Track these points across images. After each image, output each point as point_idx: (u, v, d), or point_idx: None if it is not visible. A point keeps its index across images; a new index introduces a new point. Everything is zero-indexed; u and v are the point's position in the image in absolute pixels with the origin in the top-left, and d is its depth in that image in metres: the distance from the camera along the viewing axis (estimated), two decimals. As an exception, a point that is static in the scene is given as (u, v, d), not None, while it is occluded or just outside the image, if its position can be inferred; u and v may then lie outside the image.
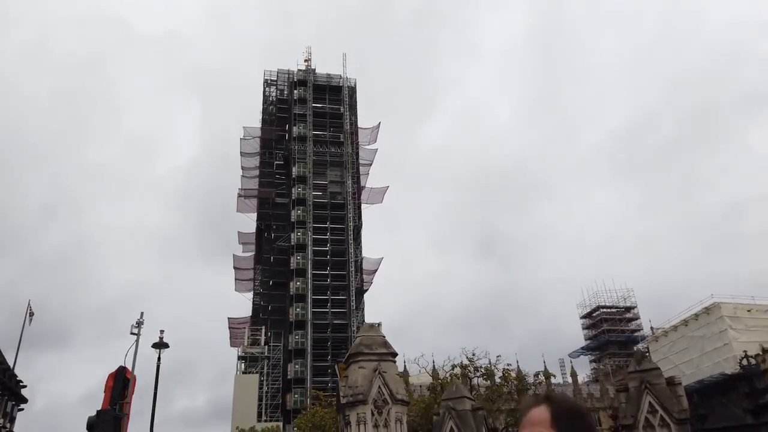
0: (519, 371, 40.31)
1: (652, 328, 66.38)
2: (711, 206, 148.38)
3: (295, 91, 72.89)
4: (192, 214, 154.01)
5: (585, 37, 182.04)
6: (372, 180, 72.72)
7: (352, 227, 66.32)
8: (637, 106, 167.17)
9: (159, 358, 17.50)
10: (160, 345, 17.68)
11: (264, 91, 75.90)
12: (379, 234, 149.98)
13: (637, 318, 72.13)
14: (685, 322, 58.14)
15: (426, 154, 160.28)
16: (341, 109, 73.07)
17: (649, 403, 8.39)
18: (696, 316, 56.72)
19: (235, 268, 67.87)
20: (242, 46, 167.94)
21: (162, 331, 18.01)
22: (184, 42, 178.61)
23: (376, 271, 69.84)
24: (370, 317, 71.32)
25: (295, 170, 67.99)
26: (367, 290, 70.53)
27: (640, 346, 67.90)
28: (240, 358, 59.00)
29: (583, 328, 74.76)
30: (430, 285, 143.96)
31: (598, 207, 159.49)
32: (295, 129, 70.66)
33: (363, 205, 71.43)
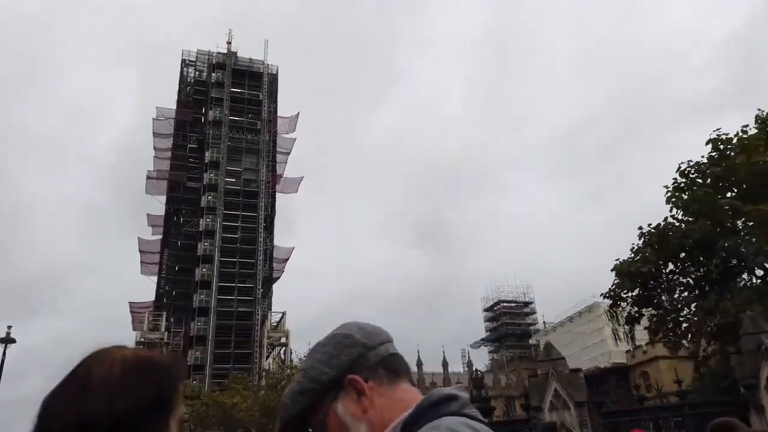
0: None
1: (544, 323, 71.16)
2: (638, 206, 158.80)
3: (214, 74, 71.49)
4: (117, 192, 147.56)
5: (537, 36, 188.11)
6: (297, 169, 73.00)
7: (263, 215, 66.30)
8: (581, 106, 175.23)
9: (4, 353, 17.54)
10: (7, 341, 17.70)
11: (182, 72, 73.86)
12: (317, 221, 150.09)
13: (533, 312, 76.82)
14: (571, 319, 62.93)
15: (373, 143, 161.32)
16: (260, 96, 72.43)
17: (555, 388, 9.99)
18: (580, 313, 61.52)
19: (140, 251, 66.17)
20: (181, 22, 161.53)
21: (9, 327, 18.02)
22: (134, 11, 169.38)
23: (287, 260, 70.35)
24: (278, 306, 71.98)
25: (208, 155, 66.92)
26: (277, 279, 70.97)
27: (534, 339, 72.64)
28: (138, 343, 57.93)
29: (485, 321, 78.79)
30: (371, 272, 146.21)
31: (536, 201, 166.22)
32: (211, 113, 69.37)
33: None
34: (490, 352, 78.43)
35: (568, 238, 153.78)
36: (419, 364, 69.02)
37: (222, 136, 68.07)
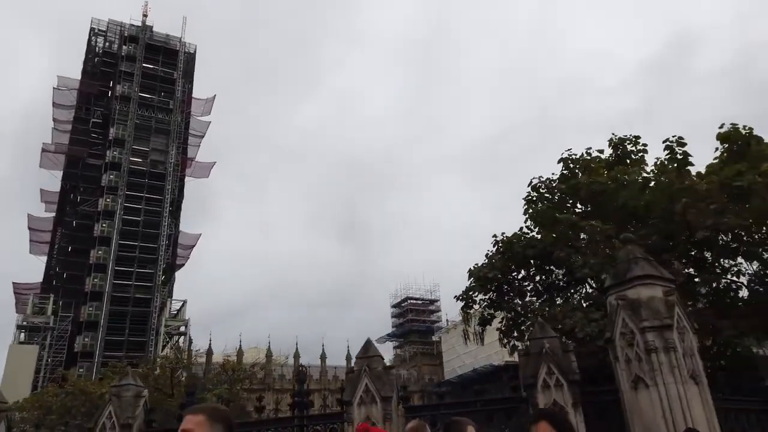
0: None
1: (447, 320, 73.63)
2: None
3: (125, 47, 67.92)
4: (11, 165, 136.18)
5: (463, 45, 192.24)
6: (214, 154, 70.82)
7: (169, 199, 63.92)
8: (500, 116, 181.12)
9: None
10: None
11: (90, 41, 69.56)
12: (233, 210, 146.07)
13: (438, 311, 79.20)
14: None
15: (297, 134, 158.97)
16: (175, 75, 69.63)
17: (366, 383, 10.14)
18: (478, 313, 64.37)
19: (30, 228, 61.85)
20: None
21: None
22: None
23: (193, 246, 68.34)
24: (180, 294, 69.80)
25: (113, 131, 63.56)
26: (182, 266, 68.77)
27: (436, 336, 75.02)
28: (19, 327, 54.28)
29: (392, 317, 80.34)
30: (288, 265, 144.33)
31: (453, 204, 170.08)
32: (119, 87, 65.90)
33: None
34: (394, 347, 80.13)
35: (480, 242, 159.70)
36: (323, 357, 69.82)
37: (130, 113, 64.86)
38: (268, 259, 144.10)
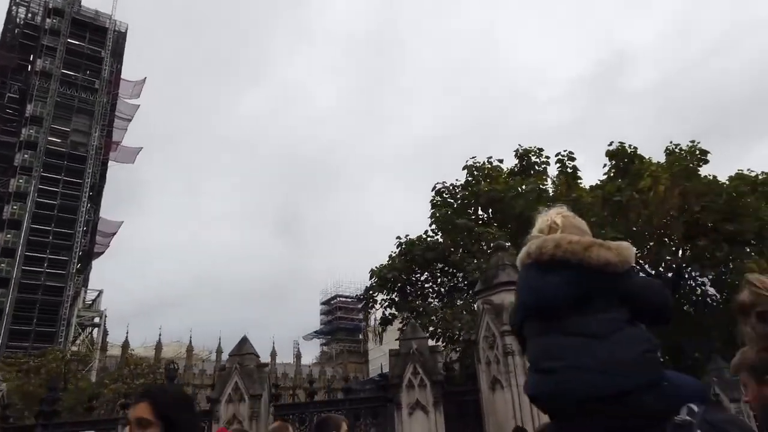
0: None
1: (375, 318, 74.08)
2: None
3: (49, 20, 63.98)
4: None
5: (413, 48, 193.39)
6: (147, 140, 67.84)
7: (90, 183, 60.80)
8: (444, 120, 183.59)
9: None
10: None
11: (10, 10, 65.07)
12: (166, 199, 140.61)
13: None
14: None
15: (239, 125, 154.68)
16: (102, 53, 66.27)
17: (236, 381, 9.80)
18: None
19: (-70, 207, 57.12)
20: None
21: None
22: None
23: (114, 234, 65.36)
24: (97, 284, 66.71)
25: (30, 108, 59.69)
26: (100, 254, 65.63)
27: (362, 334, 75.42)
28: None
29: (321, 314, 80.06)
30: (223, 258, 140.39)
31: (390, 204, 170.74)
32: (39, 62, 61.94)
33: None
34: (322, 344, 79.92)
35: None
36: (273, 354, 68.76)
37: (50, 90, 61.16)
38: (199, 252, 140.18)
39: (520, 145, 19.35)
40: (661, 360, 1.61)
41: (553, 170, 18.56)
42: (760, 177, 16.54)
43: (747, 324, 2.53)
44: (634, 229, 13.99)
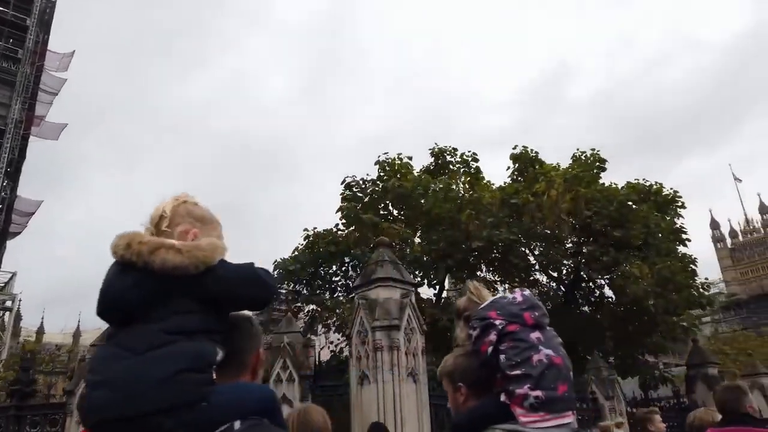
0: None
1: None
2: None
3: (-32, -19, 59.48)
4: None
5: (367, 46, 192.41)
6: (76, 116, 64.14)
7: (7, 158, 57.07)
8: (393, 117, 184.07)
9: None
10: None
11: (-77, -34, 60.01)
12: (98, 179, 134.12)
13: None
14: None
15: (183, 108, 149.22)
16: (28, 22, 62.22)
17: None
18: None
19: None
20: None
21: None
22: None
23: (33, 214, 61.74)
24: (12, 265, 62.91)
25: (-58, 75, 55.40)
26: (17, 234, 61.83)
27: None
28: None
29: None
30: None
31: (335, 197, 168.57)
32: (-45, 26, 57.56)
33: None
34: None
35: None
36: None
37: (-34, 57, 56.88)
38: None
39: (436, 143, 19.57)
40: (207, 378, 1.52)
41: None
42: (653, 187, 17.44)
43: (458, 327, 2.54)
44: (533, 230, 14.41)
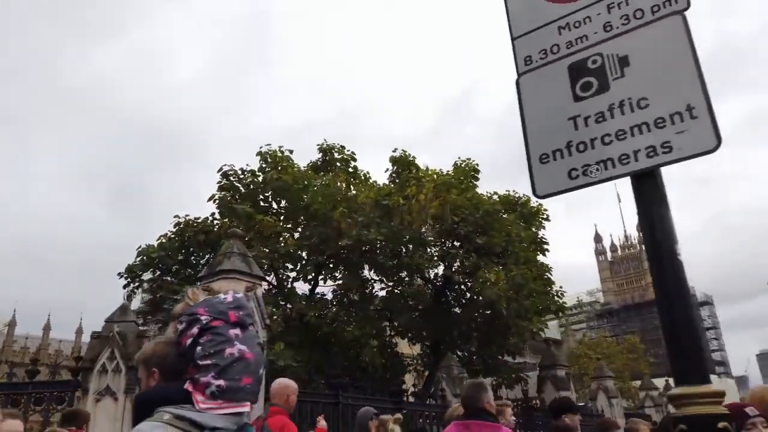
0: None
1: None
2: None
3: None
4: None
5: (286, 36, 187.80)
6: None
7: None
8: (307, 110, 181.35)
9: None
10: None
11: None
12: None
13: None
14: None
15: (83, 81, 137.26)
16: None
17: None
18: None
19: None
20: None
21: None
22: None
23: None
24: None
25: None
26: None
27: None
28: None
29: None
30: (44, 223, 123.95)
31: None
32: None
33: None
34: (139, 324, 75.00)
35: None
36: (47, 328, 62.75)
37: None
38: (21, 216, 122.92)
39: (324, 140, 19.57)
40: None
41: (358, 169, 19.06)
42: (521, 199, 18.58)
43: (171, 326, 2.54)
44: (400, 232, 14.79)
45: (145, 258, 15.56)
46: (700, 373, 2.46)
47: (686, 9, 2.85)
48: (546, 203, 18.70)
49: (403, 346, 19.71)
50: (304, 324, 15.15)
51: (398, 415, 4.83)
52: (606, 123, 2.88)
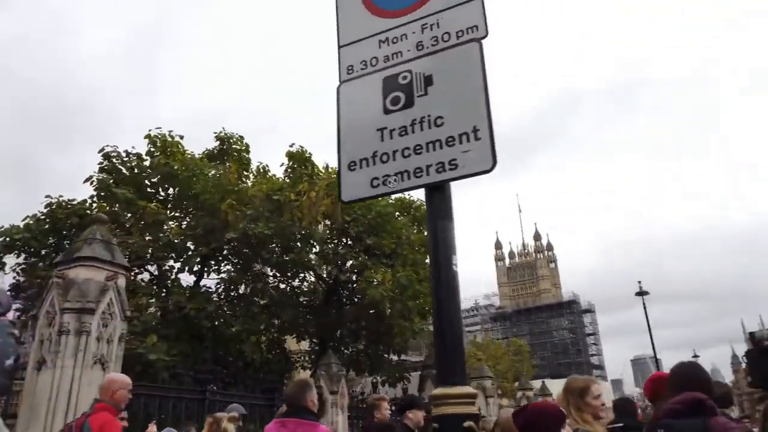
0: None
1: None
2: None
3: None
4: None
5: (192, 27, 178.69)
6: None
7: None
8: (219, 95, 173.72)
9: None
10: None
11: None
12: None
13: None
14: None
15: None
16: None
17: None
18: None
19: None
20: None
21: None
22: None
23: None
24: None
25: None
26: None
27: None
28: None
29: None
30: None
31: None
32: None
33: None
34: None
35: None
36: None
37: None
38: None
39: (223, 128, 19.01)
40: None
41: (255, 161, 18.66)
42: (415, 203, 19.10)
43: None
44: (289, 228, 14.65)
45: (7, 239, 14.25)
46: (458, 376, 2.66)
47: (484, 37, 3.07)
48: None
49: (293, 343, 19.59)
50: (183, 317, 14.59)
51: (234, 413, 4.75)
52: (407, 137, 3.03)
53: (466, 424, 2.58)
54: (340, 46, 3.49)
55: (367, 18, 3.45)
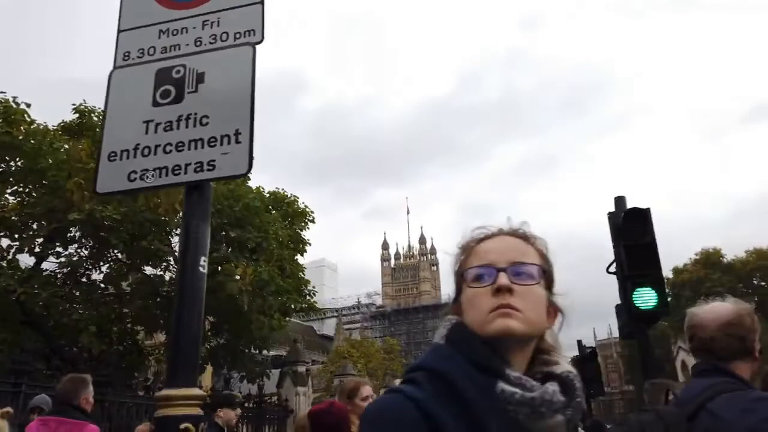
0: None
1: None
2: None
3: None
4: None
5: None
6: None
7: None
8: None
9: None
10: None
11: None
12: None
13: None
14: None
15: None
16: None
17: None
18: None
19: None
20: None
21: None
22: None
23: None
24: None
25: None
26: None
27: None
28: None
29: None
30: None
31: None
32: None
33: None
34: None
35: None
36: None
37: None
38: None
39: (84, 100, 17.50)
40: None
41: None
42: (288, 198, 18.97)
43: None
44: (143, 214, 13.86)
45: None
46: (187, 378, 2.64)
47: (259, 43, 3.10)
48: (340, 208, 19.42)
49: (160, 337, 18.58)
50: (14, 301, 13.25)
51: (7, 409, 4.40)
52: (172, 133, 2.96)
53: (183, 426, 2.57)
54: (119, 30, 3.35)
55: (150, 5, 3.33)
